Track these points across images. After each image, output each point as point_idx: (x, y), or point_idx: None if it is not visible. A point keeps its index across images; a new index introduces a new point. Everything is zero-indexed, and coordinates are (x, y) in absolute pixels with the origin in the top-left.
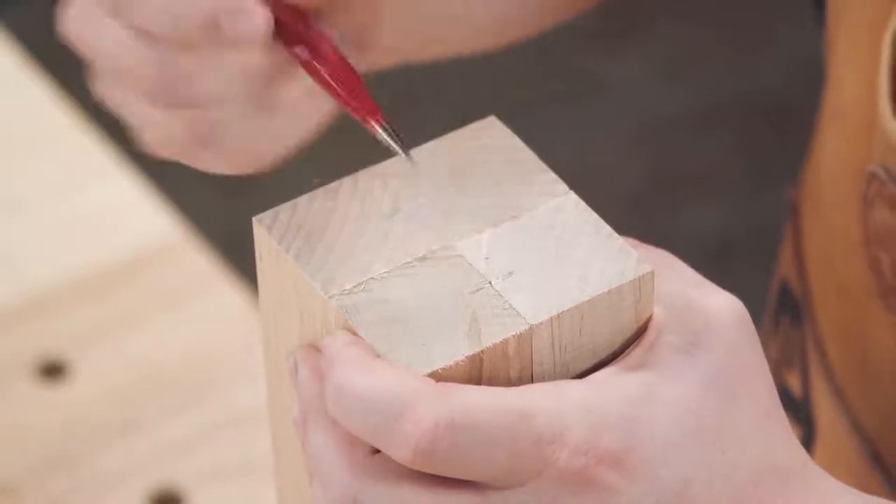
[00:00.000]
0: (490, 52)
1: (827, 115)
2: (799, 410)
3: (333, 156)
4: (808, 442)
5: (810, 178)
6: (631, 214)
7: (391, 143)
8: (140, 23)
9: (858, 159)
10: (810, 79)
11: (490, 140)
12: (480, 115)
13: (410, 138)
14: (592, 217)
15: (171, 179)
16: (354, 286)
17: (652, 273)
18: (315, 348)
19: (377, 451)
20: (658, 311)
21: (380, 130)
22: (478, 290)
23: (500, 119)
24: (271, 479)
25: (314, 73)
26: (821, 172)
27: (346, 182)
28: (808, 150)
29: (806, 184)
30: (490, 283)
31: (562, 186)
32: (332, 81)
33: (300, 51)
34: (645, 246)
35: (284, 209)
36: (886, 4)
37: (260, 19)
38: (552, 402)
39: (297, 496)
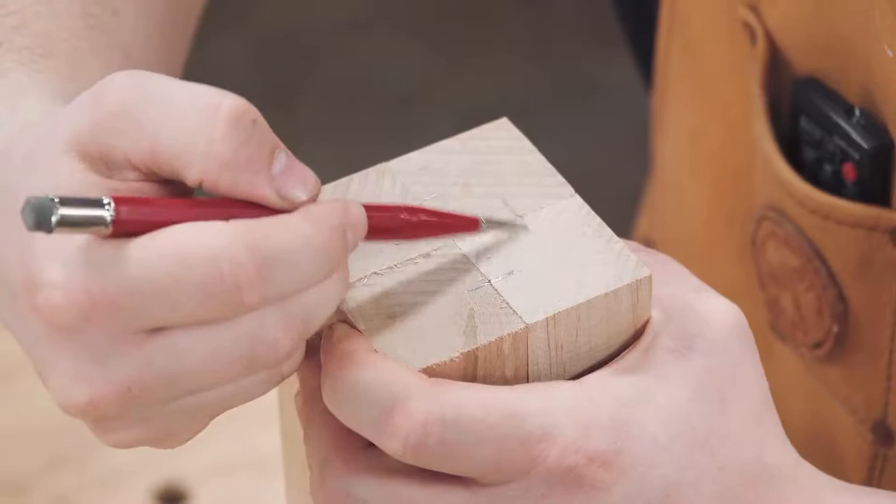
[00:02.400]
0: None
1: (678, 167)
2: None
3: (345, 150)
4: None
5: (663, 223)
6: (630, 216)
7: (501, 225)
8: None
9: (731, 206)
10: None
11: (501, 141)
12: (482, 117)
13: (416, 138)
14: (595, 220)
15: None
16: (357, 280)
17: (650, 277)
18: (318, 341)
19: (373, 445)
20: (656, 315)
21: (485, 226)
22: (477, 288)
23: None
24: (275, 473)
25: (420, 232)
26: (680, 219)
27: (357, 178)
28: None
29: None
30: (489, 281)
31: (567, 189)
32: (435, 227)
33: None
34: (646, 250)
35: None
36: (743, 49)
37: None
38: (543, 402)
39: (305, 487)
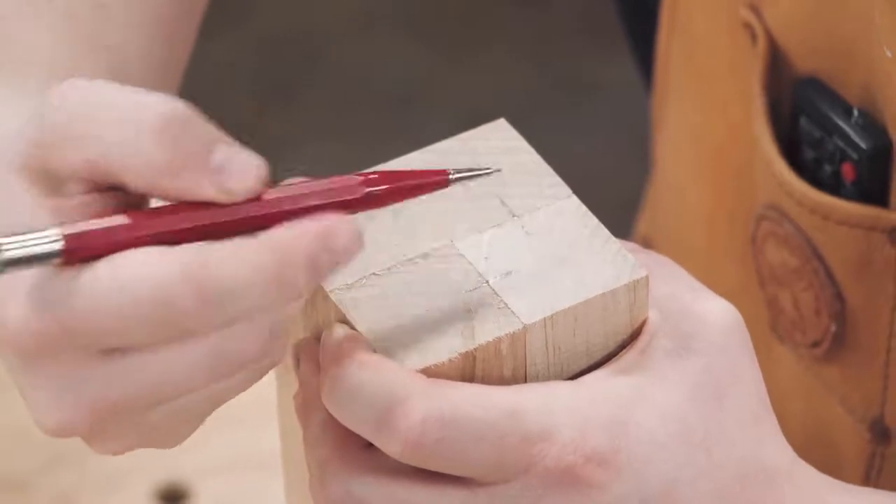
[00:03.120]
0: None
1: (679, 166)
2: None
3: (345, 150)
4: None
5: (664, 224)
6: (629, 216)
7: (472, 173)
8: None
9: (732, 205)
10: None
11: (498, 142)
12: (481, 117)
13: (416, 138)
14: (592, 221)
15: None
16: (356, 280)
17: (647, 278)
18: (317, 341)
19: (372, 445)
20: (653, 315)
21: (456, 176)
22: (475, 288)
23: None
24: (276, 472)
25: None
26: (680, 219)
27: None
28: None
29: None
30: (488, 282)
31: (565, 190)
32: (399, 188)
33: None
34: (645, 251)
35: None
36: (744, 48)
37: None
38: (542, 401)
39: (304, 487)
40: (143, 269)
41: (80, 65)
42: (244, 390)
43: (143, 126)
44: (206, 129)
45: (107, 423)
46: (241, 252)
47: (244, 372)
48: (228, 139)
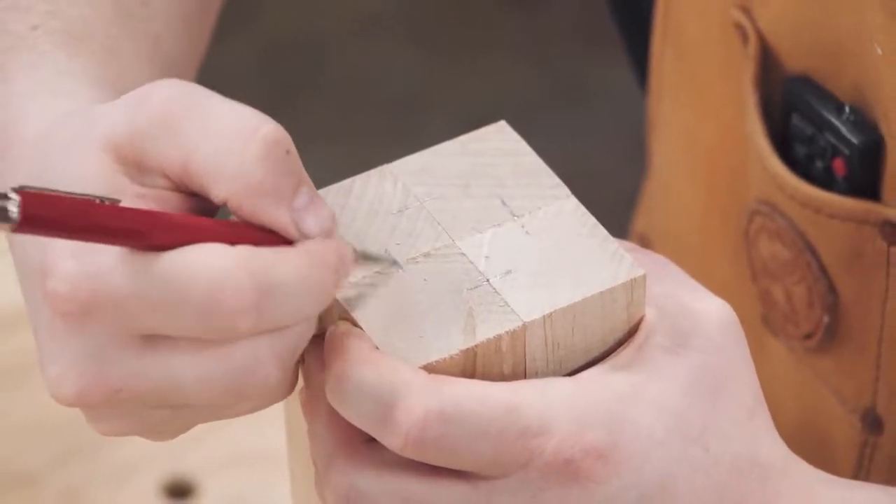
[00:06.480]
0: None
1: (673, 166)
2: None
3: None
4: None
5: (660, 218)
6: (627, 217)
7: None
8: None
9: (725, 203)
10: None
11: (499, 143)
12: (481, 119)
13: (417, 140)
14: (591, 221)
15: None
16: (359, 279)
17: (644, 277)
18: (321, 338)
19: (375, 441)
20: (650, 313)
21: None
22: (476, 287)
23: None
24: (282, 468)
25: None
26: (675, 217)
27: (359, 179)
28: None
29: (656, 225)
30: (488, 280)
31: (564, 190)
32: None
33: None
34: (642, 250)
35: None
36: (736, 50)
37: None
38: (540, 397)
39: (309, 482)
40: (206, 257)
41: (129, 45)
42: (247, 413)
43: (251, 145)
44: (298, 161)
45: (117, 405)
46: (290, 257)
47: (255, 395)
48: (307, 176)
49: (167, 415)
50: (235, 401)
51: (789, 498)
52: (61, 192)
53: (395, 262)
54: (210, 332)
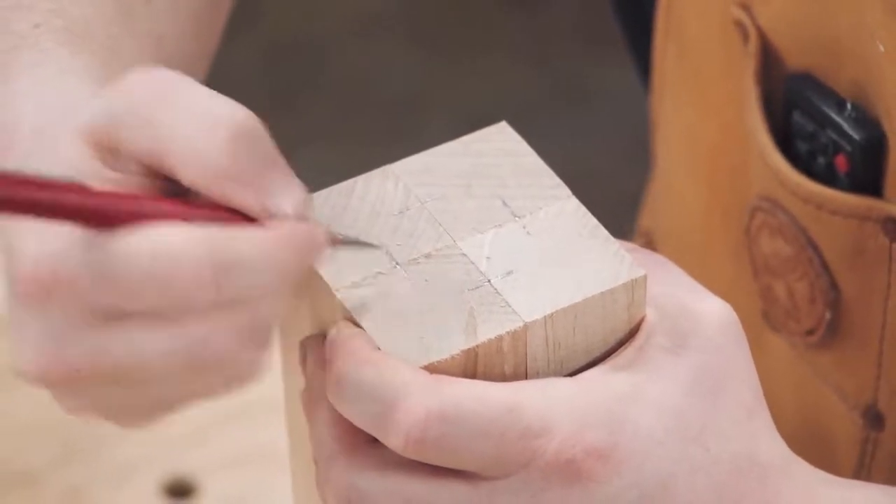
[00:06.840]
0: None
1: (675, 165)
2: None
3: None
4: None
5: (665, 217)
6: (629, 217)
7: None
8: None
9: (727, 201)
10: None
11: (500, 144)
12: (482, 120)
13: (419, 141)
14: (591, 221)
15: None
16: (361, 279)
17: (644, 277)
18: (323, 339)
19: (377, 441)
20: (650, 313)
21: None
22: (477, 287)
23: None
24: (283, 467)
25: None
26: (677, 215)
27: (361, 180)
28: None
29: (659, 223)
30: (489, 281)
31: (564, 191)
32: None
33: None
34: (643, 251)
35: None
36: (737, 48)
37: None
38: (541, 397)
39: (311, 481)
40: (164, 235)
41: (131, 44)
42: (216, 395)
43: (218, 131)
44: (269, 147)
45: (80, 385)
46: (253, 235)
47: (218, 372)
48: (283, 161)
49: (132, 394)
50: (197, 376)
51: (789, 497)
52: (22, 172)
53: (378, 247)
54: (169, 309)
